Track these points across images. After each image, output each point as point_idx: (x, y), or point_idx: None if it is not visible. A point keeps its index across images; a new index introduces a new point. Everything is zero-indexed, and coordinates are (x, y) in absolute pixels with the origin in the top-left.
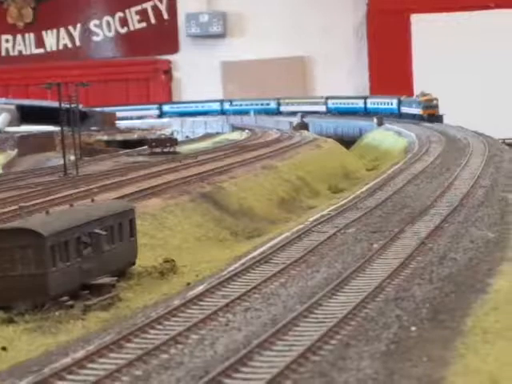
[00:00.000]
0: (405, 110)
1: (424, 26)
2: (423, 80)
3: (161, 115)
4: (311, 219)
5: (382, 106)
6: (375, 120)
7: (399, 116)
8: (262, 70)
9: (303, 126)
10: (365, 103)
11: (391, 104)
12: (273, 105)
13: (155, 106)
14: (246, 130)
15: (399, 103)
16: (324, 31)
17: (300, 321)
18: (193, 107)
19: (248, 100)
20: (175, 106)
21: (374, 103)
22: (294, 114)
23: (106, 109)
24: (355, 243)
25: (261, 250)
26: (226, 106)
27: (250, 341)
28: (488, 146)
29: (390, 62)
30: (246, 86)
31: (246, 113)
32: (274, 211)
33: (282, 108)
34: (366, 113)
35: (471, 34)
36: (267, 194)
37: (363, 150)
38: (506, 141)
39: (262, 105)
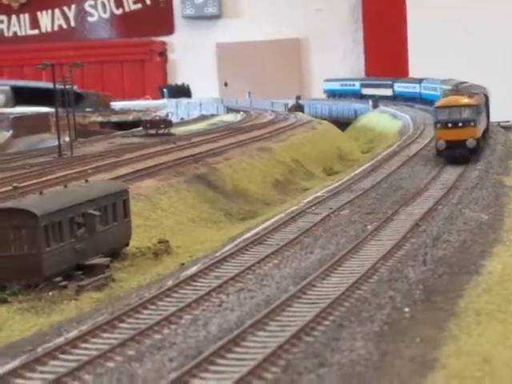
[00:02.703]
0: None
1: (420, 8)
2: (419, 61)
3: (394, 98)
4: (305, 201)
5: None
6: (370, 102)
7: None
8: (258, 52)
9: (298, 108)
10: None
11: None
12: None
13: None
14: (241, 112)
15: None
16: (319, 13)
17: (293, 301)
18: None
19: None
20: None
21: None
22: None
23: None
24: (349, 225)
25: (255, 231)
26: None
27: (244, 321)
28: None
29: (385, 44)
30: (241, 68)
31: None
32: (269, 193)
33: None
34: None
35: (468, 15)
36: (262, 175)
37: (358, 132)
38: (501, 123)
39: None
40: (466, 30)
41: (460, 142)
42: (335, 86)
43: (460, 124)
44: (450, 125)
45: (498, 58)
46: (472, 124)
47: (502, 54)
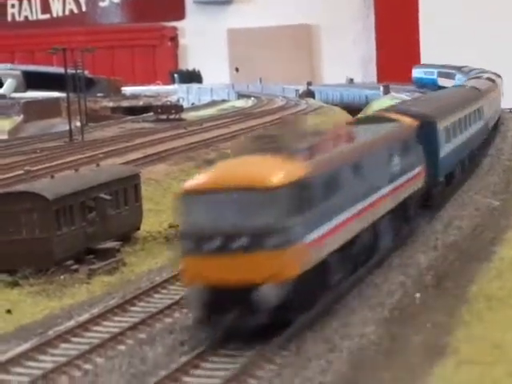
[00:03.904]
0: None
1: None
2: (431, 48)
3: None
4: None
5: None
6: (381, 88)
7: None
8: (269, 38)
9: (309, 94)
10: None
11: None
12: None
13: None
14: (252, 98)
15: None
16: None
17: None
18: None
19: None
20: None
21: None
22: None
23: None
24: None
25: None
26: None
27: None
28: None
29: (397, 30)
30: (252, 53)
31: None
32: None
33: None
34: None
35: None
36: None
37: None
38: None
39: None
40: (478, 16)
41: (239, 290)
42: (421, 73)
43: (236, 244)
44: (213, 246)
45: (510, 43)
46: (273, 243)
47: None
